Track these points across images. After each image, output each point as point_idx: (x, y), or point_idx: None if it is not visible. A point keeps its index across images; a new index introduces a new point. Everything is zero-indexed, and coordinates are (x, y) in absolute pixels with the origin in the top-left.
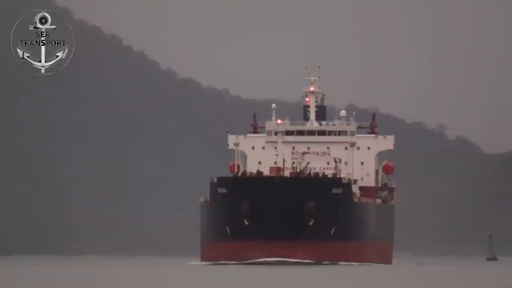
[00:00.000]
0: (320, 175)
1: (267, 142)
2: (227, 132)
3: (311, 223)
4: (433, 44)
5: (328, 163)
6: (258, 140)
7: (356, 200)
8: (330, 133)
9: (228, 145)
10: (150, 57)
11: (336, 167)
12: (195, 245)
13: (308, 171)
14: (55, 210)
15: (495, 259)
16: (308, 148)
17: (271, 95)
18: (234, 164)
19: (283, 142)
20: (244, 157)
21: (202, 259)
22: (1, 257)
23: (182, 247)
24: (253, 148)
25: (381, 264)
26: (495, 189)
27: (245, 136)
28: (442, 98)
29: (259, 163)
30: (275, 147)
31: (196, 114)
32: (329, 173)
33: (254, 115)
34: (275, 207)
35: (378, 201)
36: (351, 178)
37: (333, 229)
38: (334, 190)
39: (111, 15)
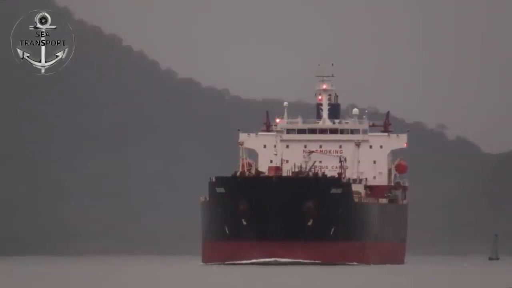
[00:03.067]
0: (320, 174)
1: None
2: (239, 130)
3: (310, 223)
4: (433, 44)
5: (339, 161)
6: (270, 138)
7: (356, 199)
8: (342, 131)
9: (239, 143)
10: (150, 57)
11: (341, 166)
12: (195, 245)
13: (306, 171)
14: (55, 210)
15: (497, 258)
16: (320, 146)
17: (271, 95)
18: (246, 163)
19: (284, 140)
20: (250, 155)
21: (203, 259)
22: (1, 257)
23: (182, 247)
24: (264, 146)
25: (385, 265)
26: (495, 189)
27: (256, 134)
28: (442, 98)
29: (271, 161)
30: (287, 146)
31: (196, 114)
32: (335, 172)
33: (267, 113)
34: (273, 207)
35: (383, 200)
36: (356, 177)
37: (332, 229)
38: (333, 190)
39: (111, 15)
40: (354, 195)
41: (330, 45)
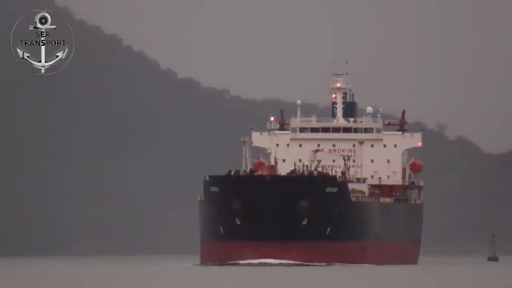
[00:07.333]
0: (315, 173)
1: (291, 139)
2: (251, 129)
3: (304, 223)
4: (432, 44)
5: (353, 161)
6: (283, 137)
7: (354, 199)
8: (356, 130)
9: (252, 142)
10: (150, 57)
11: (345, 165)
12: (195, 245)
13: (306, 170)
14: (54, 210)
15: (496, 259)
16: (334, 145)
17: (271, 94)
18: (258, 162)
19: (297, 139)
20: (264, 154)
21: (201, 259)
22: (1, 257)
23: (182, 247)
24: (277, 145)
25: (388, 265)
26: (495, 189)
27: (269, 133)
28: (442, 98)
29: (284, 160)
30: (300, 145)
31: (196, 114)
32: (339, 171)
33: (281, 111)
34: (266, 206)
35: (388, 199)
36: (360, 177)
37: (328, 229)
38: (328, 189)
39: (111, 15)
40: (356, 194)
41: (330, 44)
